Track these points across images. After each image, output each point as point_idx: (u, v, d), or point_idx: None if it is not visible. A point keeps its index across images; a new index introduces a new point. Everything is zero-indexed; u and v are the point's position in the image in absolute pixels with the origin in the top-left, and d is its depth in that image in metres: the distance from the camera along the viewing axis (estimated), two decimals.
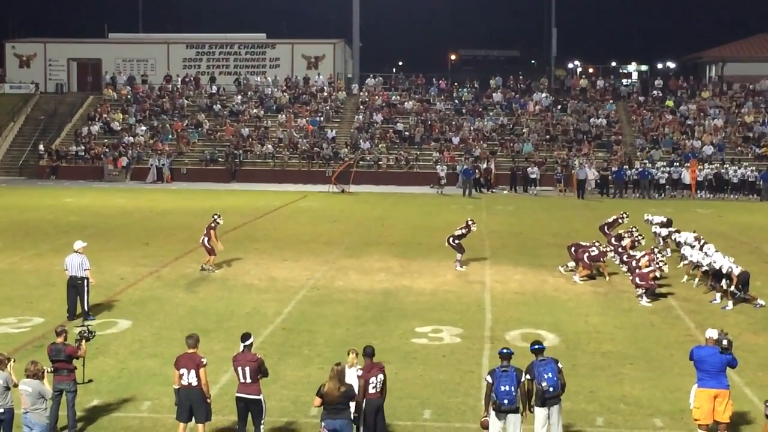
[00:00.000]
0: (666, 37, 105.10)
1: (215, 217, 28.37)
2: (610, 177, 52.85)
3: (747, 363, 17.59)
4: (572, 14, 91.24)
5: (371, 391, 13.39)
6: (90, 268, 21.71)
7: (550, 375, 13.39)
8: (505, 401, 13.12)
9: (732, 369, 14.54)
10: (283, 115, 63.38)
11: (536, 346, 13.85)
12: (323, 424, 12.98)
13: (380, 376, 13.48)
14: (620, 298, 24.88)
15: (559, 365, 13.62)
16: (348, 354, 13.94)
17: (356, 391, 13.08)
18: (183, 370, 13.64)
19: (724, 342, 14.28)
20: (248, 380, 13.67)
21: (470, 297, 24.73)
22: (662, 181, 52.65)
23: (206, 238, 27.68)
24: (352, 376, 13.53)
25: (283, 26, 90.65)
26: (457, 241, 28.65)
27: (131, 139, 60.85)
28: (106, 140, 61.18)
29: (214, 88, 67.61)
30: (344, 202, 47.65)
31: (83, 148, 60.18)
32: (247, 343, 13.91)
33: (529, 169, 54.63)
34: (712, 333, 14.59)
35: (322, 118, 63.20)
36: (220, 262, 28.28)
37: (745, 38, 72.48)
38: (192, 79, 68.68)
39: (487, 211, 43.74)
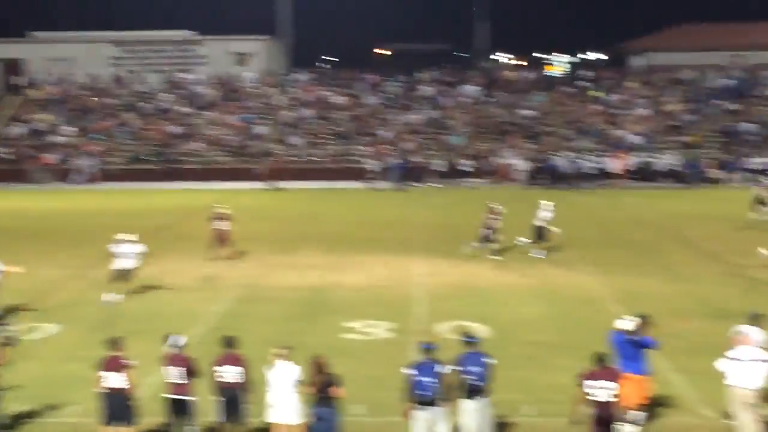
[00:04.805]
0: (592, 29, 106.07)
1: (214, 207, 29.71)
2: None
3: (673, 348, 17.82)
4: (501, 6, 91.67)
5: (218, 379, 13.77)
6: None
7: (477, 368, 13.48)
8: (426, 393, 13.26)
9: (653, 350, 14.79)
10: (213, 113, 62.91)
11: (466, 339, 13.95)
12: (311, 411, 13.51)
13: (229, 367, 13.74)
14: (551, 288, 25.12)
15: (489, 359, 13.71)
16: (275, 350, 13.87)
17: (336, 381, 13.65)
18: (108, 373, 13.48)
19: (630, 325, 14.59)
20: (178, 381, 13.59)
21: (402, 291, 24.81)
22: (590, 171, 53.24)
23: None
24: (280, 373, 13.62)
25: (212, 23, 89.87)
26: (492, 234, 28.62)
27: (58, 139, 59.96)
28: (32, 141, 60.19)
29: (142, 86, 66.88)
30: (275, 199, 47.50)
31: (8, 150, 59.14)
32: (177, 343, 13.80)
33: (461, 161, 54.86)
34: (622, 321, 14.92)
35: (251, 115, 62.83)
36: (150, 262, 28.03)
37: (668, 29, 73.48)
38: (119, 77, 67.85)
39: (418, 205, 43.84)
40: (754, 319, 15.36)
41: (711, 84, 64.36)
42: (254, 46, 70.50)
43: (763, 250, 27.00)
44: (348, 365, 17.76)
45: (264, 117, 63.24)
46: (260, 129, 60.98)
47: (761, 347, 14.84)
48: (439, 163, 54.99)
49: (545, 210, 29.94)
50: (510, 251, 29.42)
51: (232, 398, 13.76)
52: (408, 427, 13.62)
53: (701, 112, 60.67)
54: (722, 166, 53.52)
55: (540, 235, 29.53)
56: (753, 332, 15.09)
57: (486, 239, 28.74)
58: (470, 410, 13.57)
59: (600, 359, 13.21)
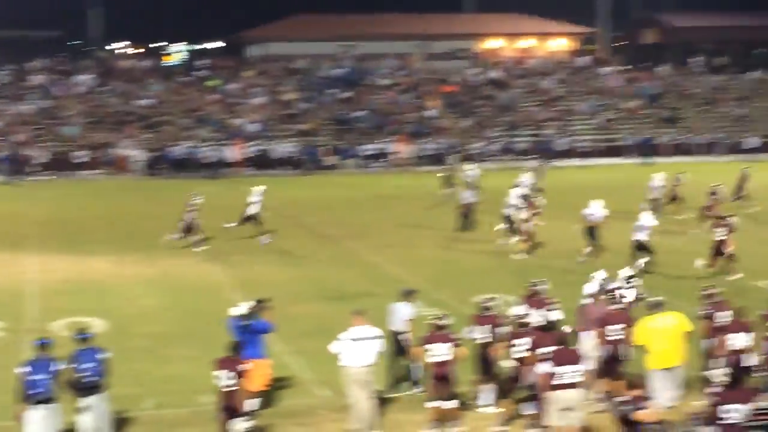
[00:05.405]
0: (209, 18, 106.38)
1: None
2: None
3: (290, 332, 18.15)
4: None
5: None
6: None
7: (92, 364, 13.19)
8: (39, 391, 12.80)
9: (269, 334, 15.14)
10: None
11: (80, 335, 13.62)
12: None
13: None
14: (170, 279, 24.94)
15: (103, 354, 13.39)
16: None
17: None
18: None
19: (244, 310, 14.96)
20: None
21: (13, 289, 23.71)
22: (209, 160, 53.38)
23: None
24: None
25: None
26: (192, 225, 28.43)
27: None
28: None
29: None
30: None
31: None
32: None
33: (74, 153, 53.15)
34: (237, 307, 15.21)
35: None
36: None
37: (284, 19, 75.14)
38: None
39: (29, 199, 41.88)
40: (406, 295, 16.10)
41: (324, 73, 66.66)
42: None
43: (699, 261, 24.59)
44: None
45: None
46: None
47: (410, 320, 15.62)
48: (50, 155, 52.97)
49: (256, 196, 30.24)
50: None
51: None
52: (22, 428, 12.99)
53: (316, 101, 62.72)
54: (337, 152, 55.65)
55: (255, 220, 29.96)
56: (403, 307, 15.78)
57: (186, 231, 28.46)
58: (86, 407, 13.22)
59: (234, 348, 13.31)
